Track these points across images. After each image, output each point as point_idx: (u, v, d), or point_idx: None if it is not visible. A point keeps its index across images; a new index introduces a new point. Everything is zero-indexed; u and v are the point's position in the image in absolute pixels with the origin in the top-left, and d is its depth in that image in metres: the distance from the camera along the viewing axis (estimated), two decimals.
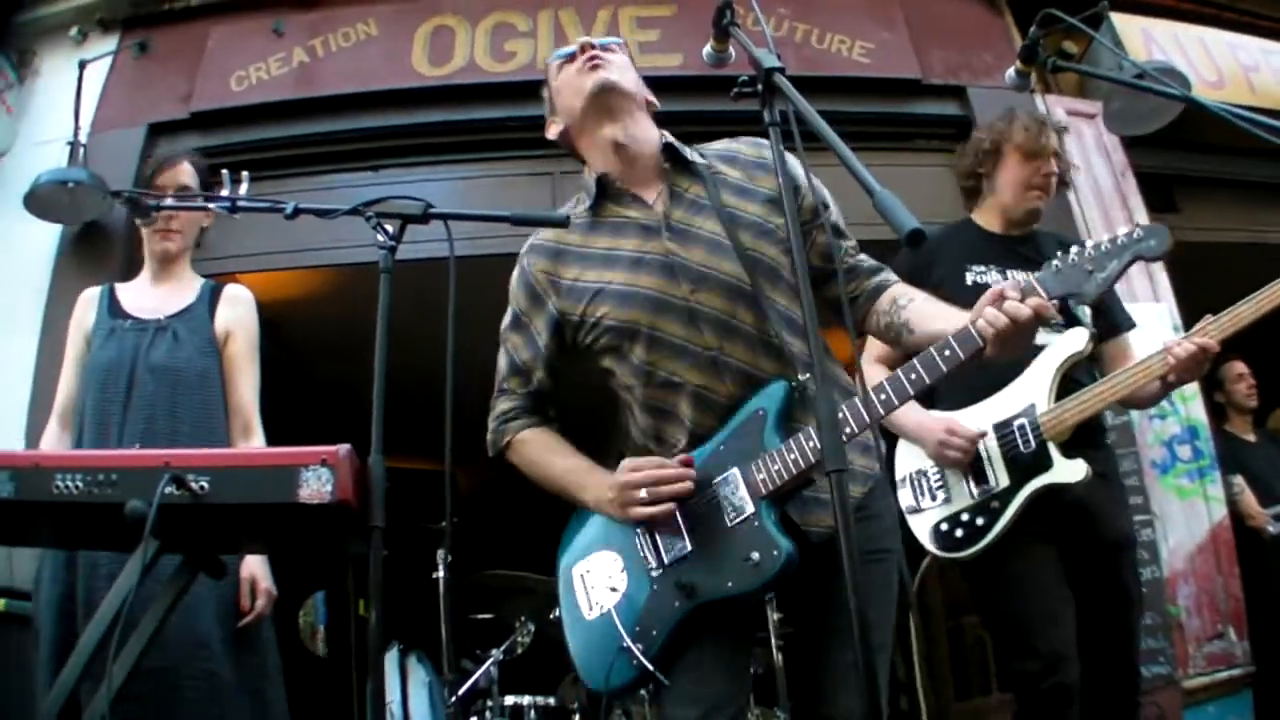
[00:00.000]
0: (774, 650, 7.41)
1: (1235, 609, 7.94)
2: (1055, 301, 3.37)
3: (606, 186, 4.03)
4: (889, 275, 3.81)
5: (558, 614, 4.02)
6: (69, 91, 8.67)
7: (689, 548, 3.60)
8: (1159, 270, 8.24)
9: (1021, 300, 3.23)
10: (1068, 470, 4.79)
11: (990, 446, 5.01)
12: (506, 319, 4.15)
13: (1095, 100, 9.19)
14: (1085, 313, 5.18)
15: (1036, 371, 4.98)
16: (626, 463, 3.66)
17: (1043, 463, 4.86)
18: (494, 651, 7.99)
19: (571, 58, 4.10)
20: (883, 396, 3.43)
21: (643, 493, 3.57)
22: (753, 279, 3.69)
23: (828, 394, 2.84)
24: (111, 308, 5.07)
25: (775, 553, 3.41)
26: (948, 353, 3.35)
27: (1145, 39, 9.65)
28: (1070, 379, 5.01)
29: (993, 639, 5.46)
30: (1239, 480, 8.61)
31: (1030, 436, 4.91)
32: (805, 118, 2.97)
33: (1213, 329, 4.70)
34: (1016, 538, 4.92)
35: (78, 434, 4.82)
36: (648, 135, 4.06)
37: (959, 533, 5.02)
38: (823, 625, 3.69)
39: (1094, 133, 9.16)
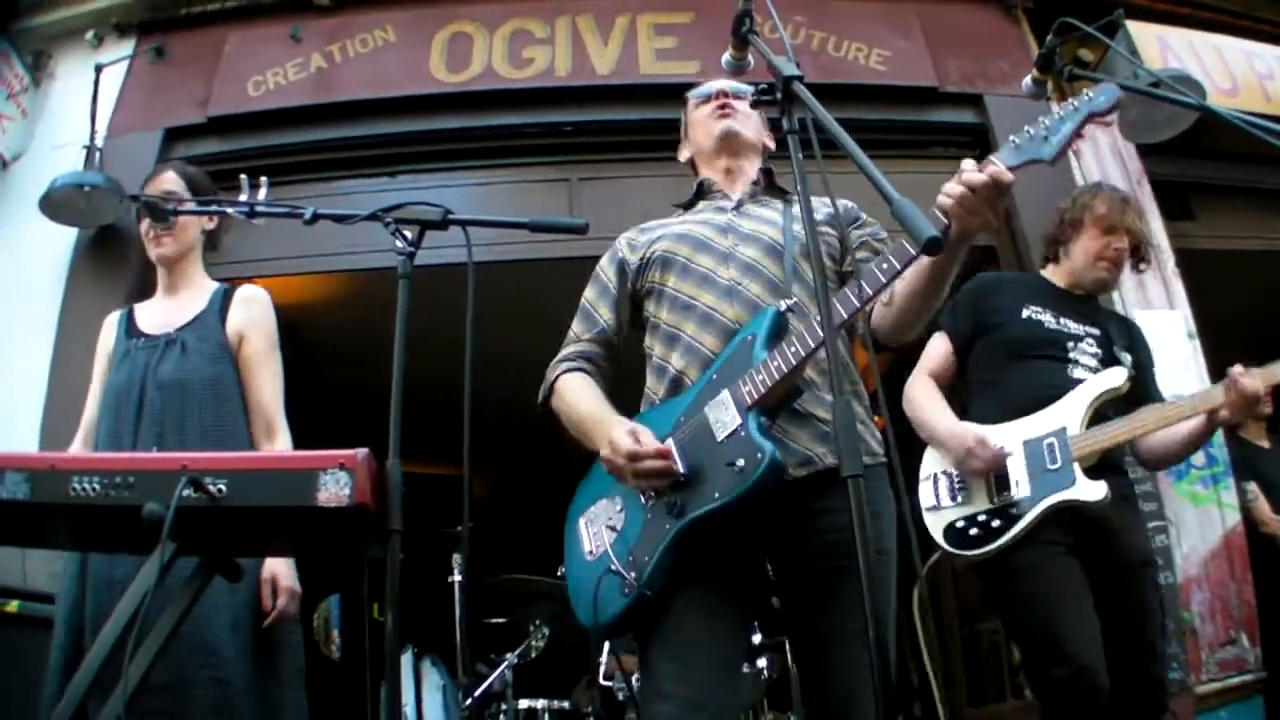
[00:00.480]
0: (788, 655, 7.43)
1: (1248, 615, 7.93)
2: (1016, 168, 3.45)
3: (704, 189, 4.50)
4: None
5: (562, 570, 4.11)
6: (85, 95, 8.69)
7: (682, 472, 3.65)
8: (1174, 278, 8.23)
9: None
10: (1089, 489, 4.89)
11: (1017, 459, 5.14)
12: (588, 286, 4.43)
13: None
14: (1126, 358, 5.35)
15: (1072, 400, 5.15)
16: (615, 433, 3.74)
17: (1065, 480, 4.97)
18: (508, 655, 7.99)
19: (708, 99, 4.49)
20: (857, 290, 3.50)
21: (629, 477, 3.71)
22: (791, 246, 4.01)
23: (844, 400, 2.87)
24: (129, 329, 5.07)
25: (759, 455, 3.47)
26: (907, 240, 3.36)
27: (1161, 46, 9.63)
28: (1100, 415, 5.16)
29: (1020, 647, 5.41)
30: (1253, 487, 8.59)
31: (1058, 454, 5.03)
32: (824, 126, 2.99)
33: (1265, 371, 4.92)
34: (1041, 548, 5.00)
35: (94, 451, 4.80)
36: (753, 168, 4.48)
37: (973, 531, 5.14)
38: (822, 630, 3.71)
39: (1109, 140, 9.15)
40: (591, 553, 3.92)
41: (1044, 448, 5.09)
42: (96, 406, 5.00)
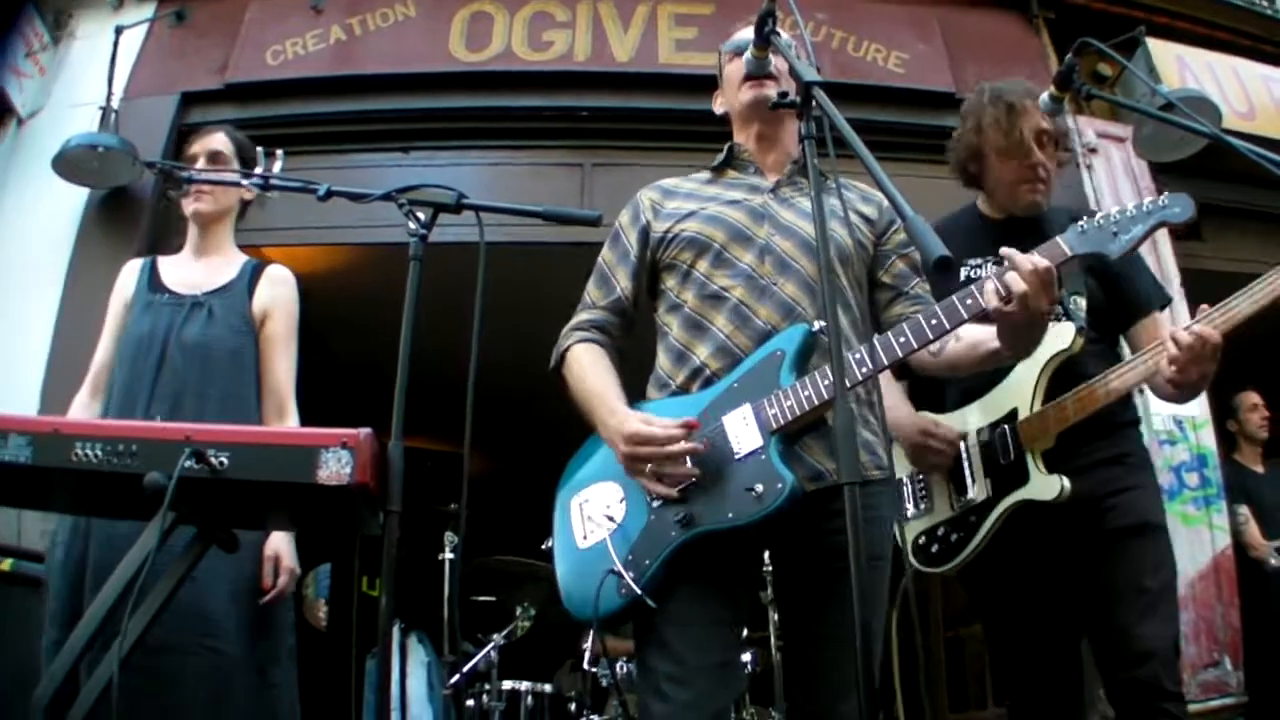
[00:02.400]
0: (772, 649, 7.44)
1: (1233, 639, 7.95)
2: (1077, 259, 3.45)
3: (735, 155, 4.29)
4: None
5: (549, 544, 4.06)
6: (104, 56, 8.71)
7: (694, 479, 3.61)
8: (1179, 298, 8.23)
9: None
10: (1044, 487, 4.40)
11: (973, 454, 4.73)
12: (606, 244, 4.33)
13: (1126, 124, 9.20)
14: (1079, 304, 4.71)
15: (1021, 372, 4.61)
16: (635, 424, 3.66)
17: (1020, 476, 4.51)
18: (495, 636, 7.99)
19: (741, 52, 4.11)
20: (901, 340, 3.53)
21: (649, 468, 3.64)
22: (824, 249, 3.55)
23: (845, 405, 2.84)
24: (151, 280, 5.04)
25: (779, 485, 3.45)
26: (969, 301, 3.43)
27: (1179, 66, 9.64)
28: (1077, 375, 4.53)
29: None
30: (1244, 510, 8.63)
31: (1010, 445, 4.57)
32: (843, 137, 2.98)
33: (1215, 319, 4.11)
34: (999, 556, 4.62)
35: (105, 404, 4.80)
36: (791, 137, 4.18)
37: (935, 548, 4.81)
38: (819, 630, 3.70)
39: (1123, 156, 9.17)
40: (585, 539, 3.88)
41: (996, 438, 4.62)
42: (108, 354, 5.00)
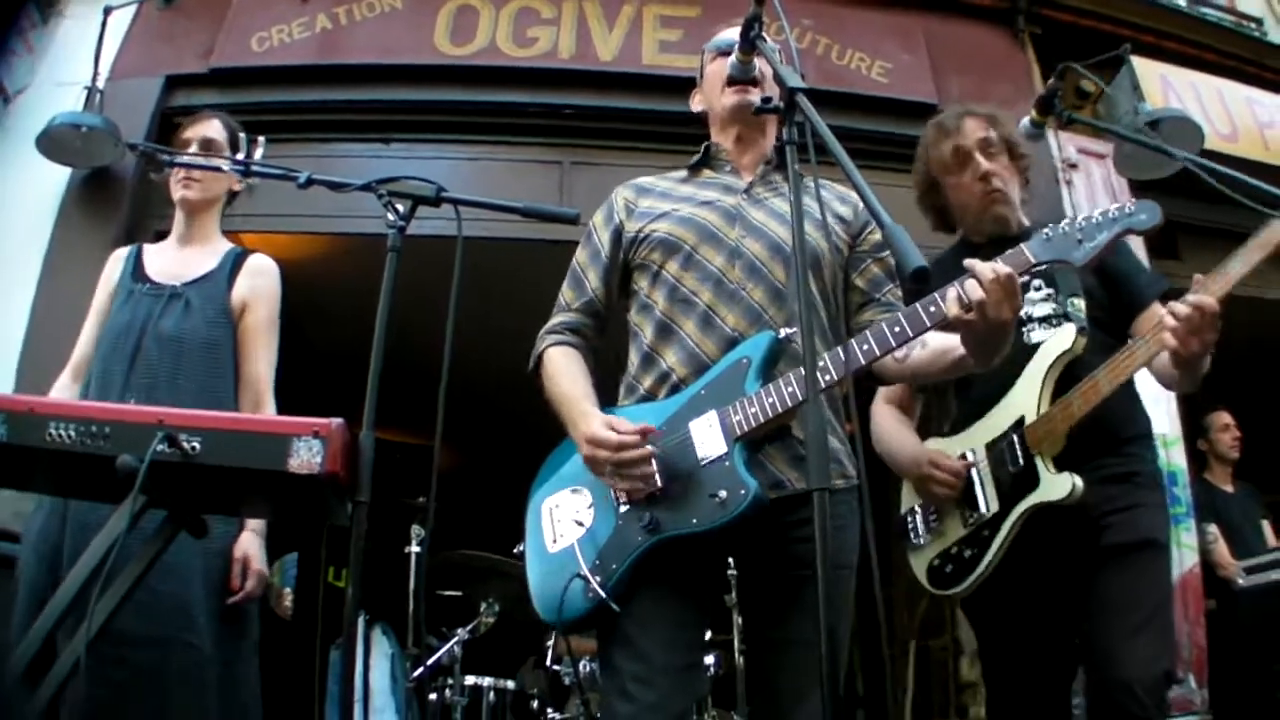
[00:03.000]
0: (736, 653, 7.45)
1: (1198, 657, 7.97)
2: (1041, 266, 3.49)
3: (711, 154, 4.35)
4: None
5: (521, 548, 4.08)
6: (91, 36, 8.69)
7: (659, 485, 3.66)
8: None
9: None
10: (1054, 487, 4.29)
11: (982, 470, 4.61)
12: (580, 242, 4.38)
13: (1107, 141, 9.22)
14: (1077, 306, 4.68)
15: (1026, 379, 4.55)
16: (595, 427, 3.71)
17: (1031, 481, 4.40)
18: (459, 630, 7.99)
19: (725, 53, 4.15)
20: (864, 347, 3.54)
21: (608, 469, 3.69)
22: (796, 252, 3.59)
23: (817, 413, 2.88)
24: (135, 270, 5.03)
25: (742, 492, 3.49)
26: (932, 309, 3.43)
27: (1163, 85, 9.67)
28: (1081, 377, 4.41)
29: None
30: (1213, 529, 8.67)
31: (1018, 452, 4.45)
32: (825, 143, 2.99)
33: (1208, 285, 4.05)
34: (1006, 574, 4.51)
35: (84, 391, 4.81)
36: (769, 138, 4.28)
37: (949, 568, 4.70)
38: (781, 635, 3.74)
39: (1103, 173, 9.20)
40: (554, 543, 3.92)
41: (1005, 448, 4.52)
42: (91, 340, 5.00)
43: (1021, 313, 4.19)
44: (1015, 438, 4.49)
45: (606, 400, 3.99)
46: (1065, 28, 10.12)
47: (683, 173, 4.38)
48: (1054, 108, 4.59)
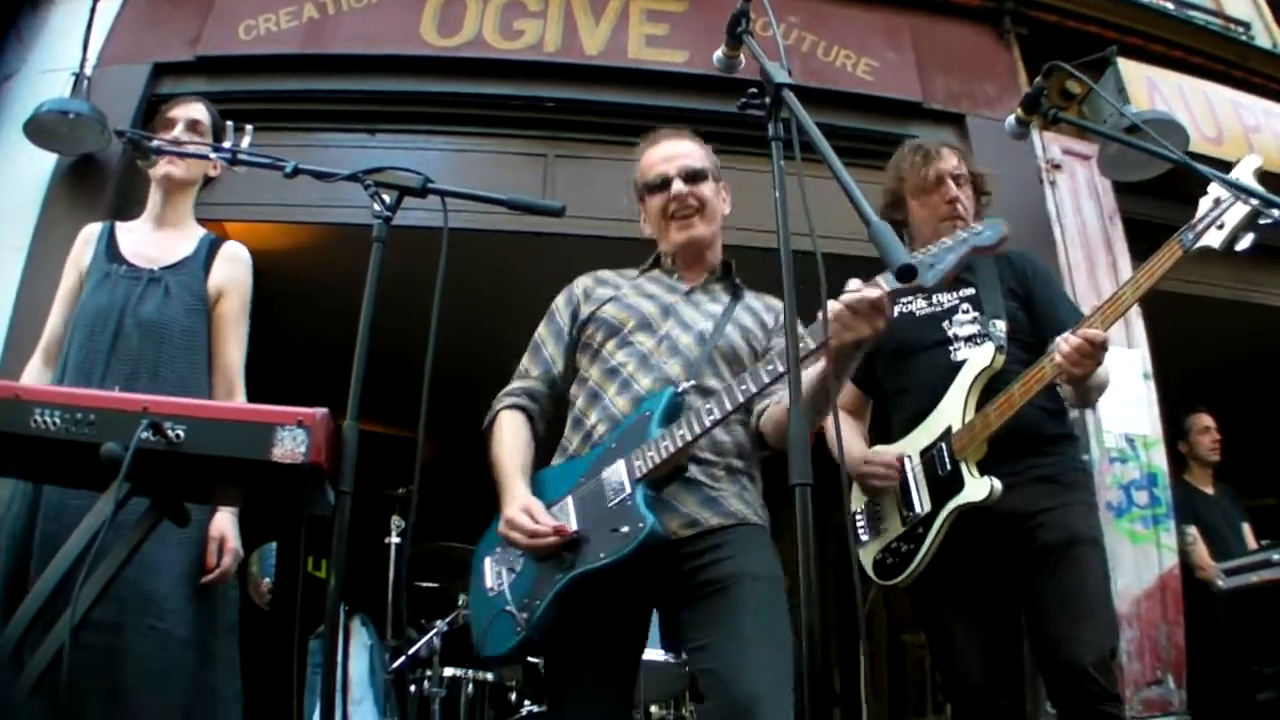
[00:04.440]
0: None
1: (1176, 657, 8.00)
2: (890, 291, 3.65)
3: (660, 262, 4.78)
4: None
5: (464, 599, 4.46)
6: (79, 23, 8.67)
7: (576, 529, 4.02)
8: (1135, 317, 8.26)
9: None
10: (976, 489, 4.80)
11: (917, 473, 5.10)
12: (542, 322, 4.74)
13: (1092, 143, 9.24)
14: (998, 327, 5.11)
15: (953, 393, 5.05)
16: (513, 511, 4.07)
17: (957, 484, 4.90)
18: (439, 622, 8.01)
19: (662, 190, 4.62)
20: (743, 387, 3.91)
21: (522, 545, 4.06)
22: (716, 341, 4.40)
23: (799, 416, 2.95)
24: (109, 249, 5.02)
25: (641, 525, 3.85)
26: (801, 344, 3.66)
27: (1149, 88, 9.68)
28: (995, 392, 4.93)
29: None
30: (1193, 531, 8.69)
31: (946, 458, 4.96)
32: (811, 141, 3.01)
33: (1096, 319, 4.61)
34: (943, 566, 4.97)
35: (60, 374, 4.77)
36: (713, 254, 4.73)
37: (889, 560, 5.14)
38: (706, 639, 3.99)
39: (1087, 174, 9.22)
40: (491, 589, 4.28)
41: (935, 455, 5.01)
42: (61, 320, 4.98)
43: (949, 332, 5.18)
44: (944, 445, 4.99)
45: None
46: (1051, 28, 10.14)
47: (635, 271, 4.77)
48: (1039, 107, 4.72)
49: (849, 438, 5.27)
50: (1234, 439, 9.58)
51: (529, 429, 4.49)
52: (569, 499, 4.14)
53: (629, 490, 3.97)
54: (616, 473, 4.05)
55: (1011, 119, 4.86)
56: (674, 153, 4.69)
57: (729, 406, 3.90)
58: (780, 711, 3.65)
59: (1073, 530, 4.89)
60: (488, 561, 4.37)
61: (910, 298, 5.36)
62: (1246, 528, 9.31)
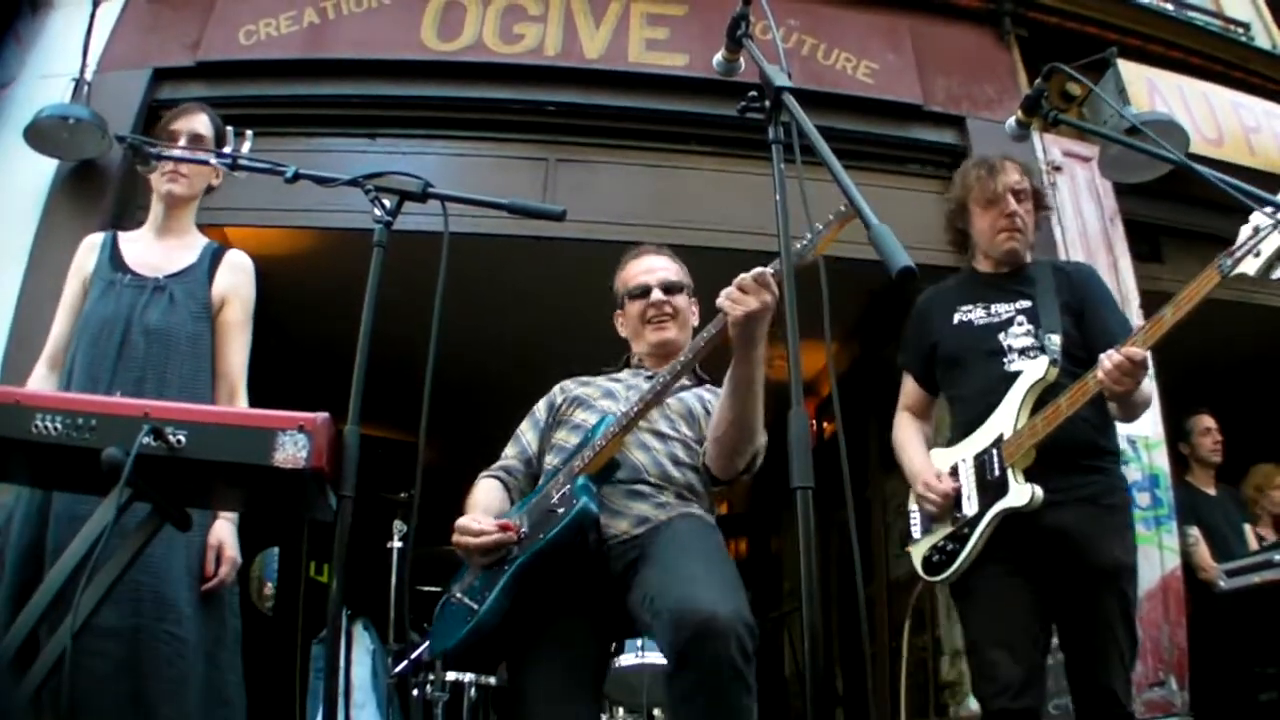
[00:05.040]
0: None
1: (1179, 658, 7.99)
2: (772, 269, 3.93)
3: (630, 363, 5.15)
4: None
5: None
6: (79, 28, 8.67)
7: (525, 531, 4.42)
8: (1136, 318, 8.25)
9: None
10: (1018, 495, 4.98)
11: (969, 477, 5.27)
12: (525, 420, 5.13)
13: (1093, 144, 9.24)
14: (1054, 341, 5.22)
15: (1007, 402, 5.19)
16: (463, 520, 4.53)
17: (1003, 489, 5.06)
18: None
19: (643, 297, 5.04)
20: (684, 358, 4.39)
21: (475, 555, 4.47)
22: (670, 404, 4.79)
23: (800, 418, 2.92)
24: (113, 258, 5.00)
25: (574, 502, 4.24)
26: (705, 335, 4.26)
27: (1150, 89, 9.69)
28: (1045, 404, 5.09)
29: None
30: (1195, 532, 8.68)
31: (995, 464, 5.12)
32: (811, 143, 3.01)
33: (1138, 338, 4.74)
34: (988, 570, 5.14)
35: (65, 382, 4.77)
36: (680, 349, 4.78)
37: (935, 558, 5.34)
38: (669, 567, 4.16)
39: (1087, 175, 9.21)
40: (453, 602, 4.64)
41: (986, 460, 5.20)
42: (66, 329, 4.97)
43: (1004, 343, 5.34)
44: (995, 451, 5.17)
45: None
46: (1051, 30, 10.16)
47: (612, 369, 5.18)
48: (1040, 109, 4.77)
49: (911, 447, 5.70)
50: (1235, 440, 9.58)
51: (502, 490, 4.85)
52: (518, 515, 4.52)
53: (569, 486, 4.34)
54: (560, 480, 4.44)
55: (1012, 121, 4.93)
56: (654, 266, 5.12)
57: (666, 377, 4.33)
58: (727, 604, 3.73)
59: (1113, 560, 5.06)
60: (457, 590, 4.67)
61: (970, 307, 5.55)
62: (1248, 528, 9.30)
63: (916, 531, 5.55)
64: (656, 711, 7.22)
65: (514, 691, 4.50)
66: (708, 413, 4.73)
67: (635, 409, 4.36)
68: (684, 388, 4.86)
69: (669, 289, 5.00)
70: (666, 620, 3.81)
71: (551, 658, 4.34)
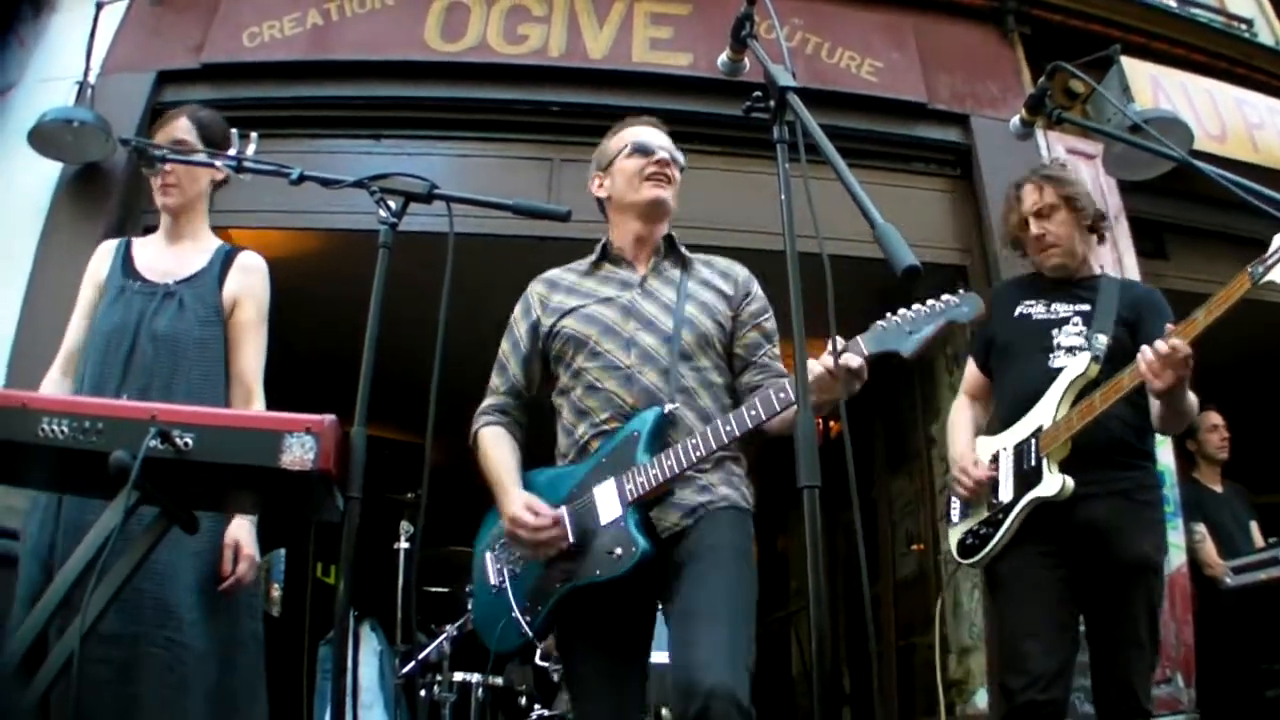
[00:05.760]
0: None
1: (1185, 655, 8.01)
2: (867, 357, 3.93)
3: (608, 251, 4.89)
4: (783, 382, 4.22)
5: (470, 588, 5.03)
6: (83, 31, 8.67)
7: (572, 541, 4.31)
8: None
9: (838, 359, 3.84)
10: (1050, 484, 5.06)
11: (1007, 465, 5.37)
12: (504, 335, 4.92)
13: (1097, 142, 9.24)
14: (1099, 340, 5.32)
15: (1049, 394, 5.28)
16: (517, 509, 4.36)
17: (1037, 477, 5.15)
18: (448, 627, 8.02)
19: (645, 154, 4.79)
20: (727, 428, 4.16)
21: (525, 547, 4.41)
22: (681, 333, 4.54)
23: (806, 418, 2.95)
24: (125, 265, 4.99)
25: (633, 549, 4.13)
26: (781, 395, 4.05)
27: (1153, 86, 9.68)
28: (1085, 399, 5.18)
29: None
30: (1201, 529, 8.68)
31: (1032, 454, 5.22)
32: (816, 143, 3.02)
33: (1184, 332, 4.70)
34: (1020, 558, 5.24)
35: (77, 388, 4.77)
36: (661, 232, 4.86)
37: (969, 541, 5.47)
38: (681, 606, 4.16)
39: (1091, 173, 9.18)
40: (495, 587, 4.63)
41: (1024, 449, 5.28)
42: (79, 335, 4.95)
43: (1054, 341, 5.46)
44: (1033, 441, 5.26)
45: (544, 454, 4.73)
46: (1055, 27, 10.16)
47: (585, 265, 4.91)
48: (1043, 107, 4.84)
49: (960, 430, 5.83)
50: (1242, 436, 9.57)
51: (509, 437, 4.76)
52: (563, 510, 4.38)
53: (620, 513, 4.25)
54: (608, 493, 4.31)
55: (1016, 119, 5.00)
56: (658, 135, 4.92)
57: (713, 445, 4.15)
58: (725, 680, 3.75)
59: (1140, 556, 5.17)
60: (488, 557, 4.72)
61: (1032, 302, 5.67)
62: (1254, 525, 9.30)
63: (955, 515, 5.65)
64: (664, 711, 7.22)
65: (568, 687, 4.73)
66: (720, 326, 4.64)
67: (698, 455, 4.18)
68: (672, 284, 4.74)
69: (672, 160, 4.83)
70: (672, 678, 3.98)
71: (596, 657, 4.42)
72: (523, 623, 4.42)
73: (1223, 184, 4.09)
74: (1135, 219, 9.34)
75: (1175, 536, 8.25)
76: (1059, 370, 5.29)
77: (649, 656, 4.60)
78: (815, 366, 3.81)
